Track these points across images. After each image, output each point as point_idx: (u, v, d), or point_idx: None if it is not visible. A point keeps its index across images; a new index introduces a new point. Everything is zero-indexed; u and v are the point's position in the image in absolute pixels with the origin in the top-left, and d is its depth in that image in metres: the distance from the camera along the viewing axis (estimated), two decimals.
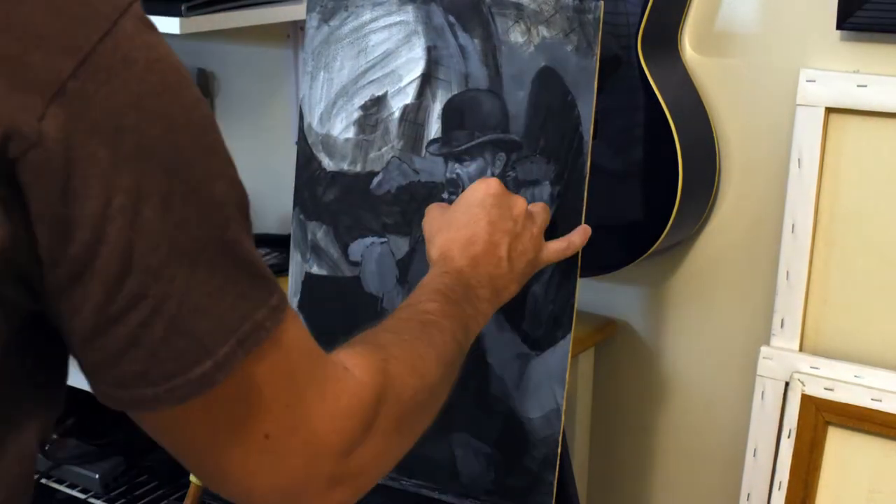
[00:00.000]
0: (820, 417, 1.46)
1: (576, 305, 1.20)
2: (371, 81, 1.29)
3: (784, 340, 1.51)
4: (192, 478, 1.39)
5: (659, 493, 1.77)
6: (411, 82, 1.27)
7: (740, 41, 1.55)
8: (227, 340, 0.66)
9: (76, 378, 1.83)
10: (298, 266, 1.35)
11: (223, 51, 2.10)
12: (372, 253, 1.30)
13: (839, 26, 1.43)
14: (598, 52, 1.17)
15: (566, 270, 1.20)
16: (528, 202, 1.19)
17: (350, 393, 0.78)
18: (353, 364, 0.82)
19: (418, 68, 1.26)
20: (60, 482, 1.87)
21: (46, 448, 1.89)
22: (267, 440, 0.72)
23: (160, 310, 0.63)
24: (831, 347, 1.51)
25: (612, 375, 1.77)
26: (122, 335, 0.64)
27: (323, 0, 1.31)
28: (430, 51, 1.26)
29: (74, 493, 1.85)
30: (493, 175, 1.23)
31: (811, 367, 1.48)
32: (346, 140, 1.31)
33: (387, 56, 1.28)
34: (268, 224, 2.11)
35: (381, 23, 1.28)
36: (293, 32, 1.97)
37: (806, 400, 1.47)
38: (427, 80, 1.26)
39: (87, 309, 0.63)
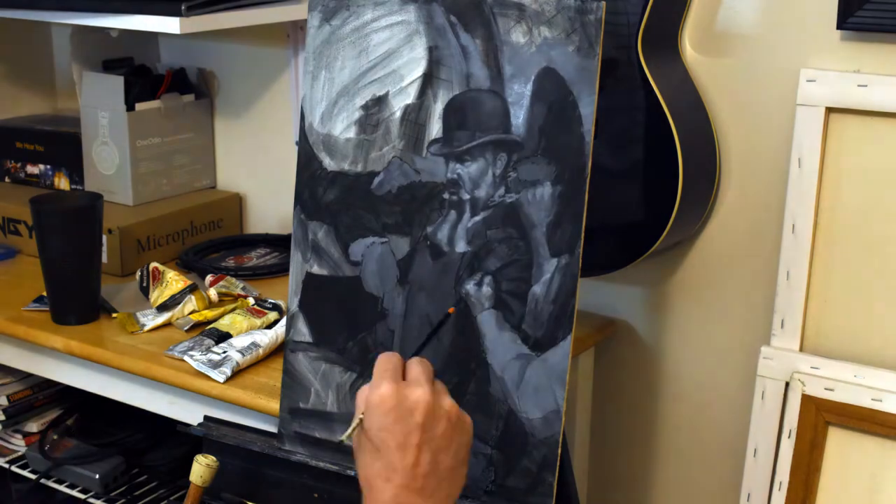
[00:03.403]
0: (820, 417, 1.46)
1: (576, 305, 1.20)
2: (372, 81, 1.29)
3: (784, 340, 1.51)
4: (193, 477, 1.40)
5: (659, 493, 1.77)
6: (413, 82, 1.27)
7: (740, 41, 1.55)
8: None
9: (76, 378, 1.82)
10: (299, 266, 1.35)
11: (223, 51, 2.10)
12: (372, 253, 1.30)
13: (839, 26, 1.43)
14: (599, 52, 1.17)
15: (566, 270, 1.20)
16: (530, 202, 1.19)
17: None
18: None
19: (420, 68, 1.26)
20: (60, 482, 1.87)
21: (46, 448, 1.89)
22: None
23: None
24: (831, 347, 1.51)
25: (612, 375, 1.77)
26: None
27: None
28: (432, 51, 1.26)
29: (74, 493, 1.85)
30: (494, 175, 1.23)
31: (811, 367, 1.48)
32: (347, 140, 1.31)
33: (388, 56, 1.28)
34: (268, 224, 2.12)
35: (383, 22, 1.28)
36: (293, 32, 1.97)
37: (806, 400, 1.47)
38: (428, 80, 1.26)
39: None
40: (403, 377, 1.06)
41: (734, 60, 1.56)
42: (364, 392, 1.06)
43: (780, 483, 1.49)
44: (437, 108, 1.26)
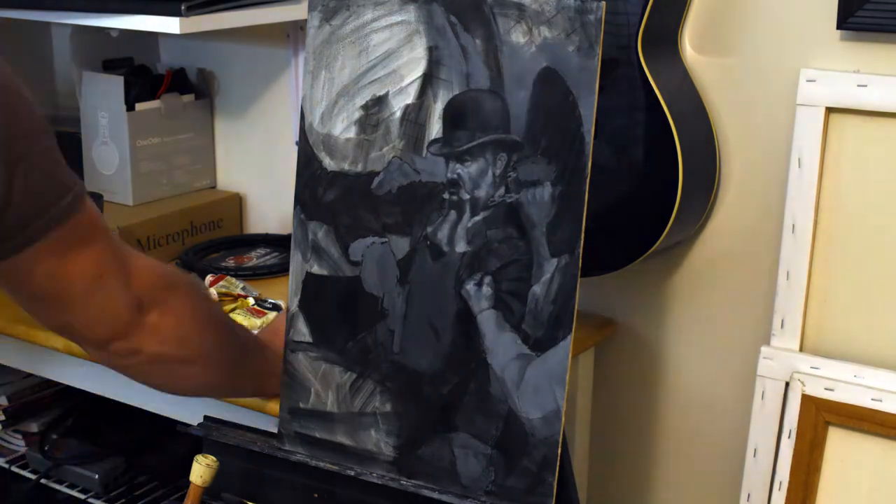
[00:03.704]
0: (820, 417, 1.46)
1: (576, 305, 1.20)
2: (372, 81, 1.29)
3: (784, 340, 1.51)
4: (193, 477, 1.39)
5: (659, 493, 1.77)
6: (413, 82, 1.27)
7: (740, 41, 1.55)
8: (74, 186, 1.10)
9: (76, 378, 1.82)
10: (299, 266, 1.35)
11: (223, 51, 2.10)
12: (372, 253, 1.30)
13: (839, 26, 1.43)
14: (599, 52, 1.17)
15: (566, 270, 1.20)
16: (530, 202, 1.20)
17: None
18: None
19: (420, 68, 1.26)
20: (60, 482, 1.87)
21: (46, 448, 1.89)
22: (100, 280, 1.11)
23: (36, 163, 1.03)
24: (831, 347, 1.51)
25: (612, 375, 1.77)
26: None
27: None
28: (432, 50, 1.26)
29: (74, 493, 1.85)
30: (494, 175, 1.23)
31: (811, 367, 1.48)
32: (347, 140, 1.31)
33: (388, 56, 1.28)
34: (268, 224, 2.12)
35: (383, 22, 1.28)
36: (293, 32, 1.97)
37: (806, 400, 1.47)
38: (428, 80, 1.26)
39: None
40: None
41: (734, 60, 1.56)
42: None
43: (780, 483, 1.49)
44: (437, 108, 1.26)
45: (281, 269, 1.89)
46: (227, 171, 2.16)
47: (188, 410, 1.57)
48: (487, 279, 1.24)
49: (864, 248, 1.48)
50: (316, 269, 1.34)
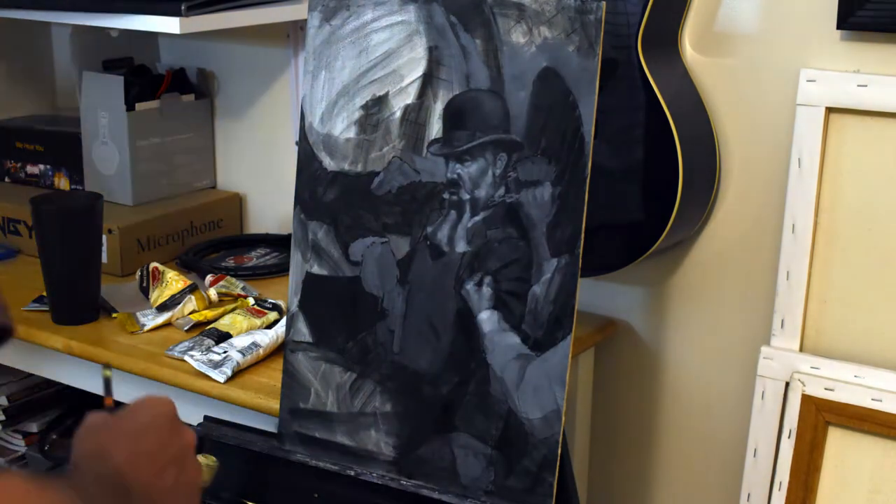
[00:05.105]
0: (820, 417, 1.46)
1: (576, 305, 1.20)
2: (372, 81, 1.29)
3: (784, 340, 1.51)
4: None
5: (659, 493, 1.77)
6: (413, 82, 1.27)
7: (740, 41, 1.55)
8: None
9: (76, 378, 1.82)
10: (299, 266, 1.35)
11: (223, 51, 2.10)
12: (372, 253, 1.30)
13: (839, 26, 1.43)
14: (599, 52, 1.17)
15: (566, 270, 1.20)
16: (530, 202, 1.20)
17: None
18: None
19: (420, 68, 1.26)
20: None
21: (46, 448, 1.89)
22: None
23: None
24: (831, 347, 1.51)
25: (612, 375, 1.77)
26: None
27: None
28: (432, 50, 1.26)
29: None
30: (494, 175, 1.23)
31: (811, 367, 1.48)
32: (347, 140, 1.31)
33: (388, 56, 1.28)
34: (268, 224, 2.12)
35: (383, 22, 1.28)
36: (293, 32, 1.97)
37: (806, 400, 1.47)
38: (428, 80, 1.26)
39: None
40: None
41: (734, 60, 1.56)
42: None
43: (780, 483, 1.49)
44: (437, 108, 1.26)
45: (281, 269, 1.89)
46: (227, 171, 2.16)
47: (188, 410, 1.57)
48: (487, 279, 1.24)
49: (864, 248, 1.48)
50: (316, 269, 1.34)
